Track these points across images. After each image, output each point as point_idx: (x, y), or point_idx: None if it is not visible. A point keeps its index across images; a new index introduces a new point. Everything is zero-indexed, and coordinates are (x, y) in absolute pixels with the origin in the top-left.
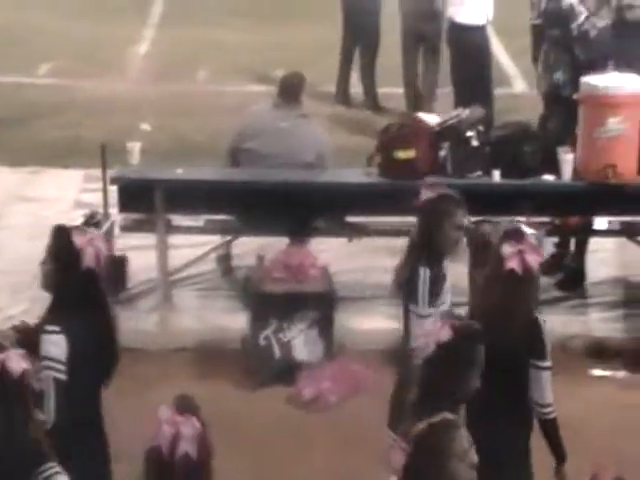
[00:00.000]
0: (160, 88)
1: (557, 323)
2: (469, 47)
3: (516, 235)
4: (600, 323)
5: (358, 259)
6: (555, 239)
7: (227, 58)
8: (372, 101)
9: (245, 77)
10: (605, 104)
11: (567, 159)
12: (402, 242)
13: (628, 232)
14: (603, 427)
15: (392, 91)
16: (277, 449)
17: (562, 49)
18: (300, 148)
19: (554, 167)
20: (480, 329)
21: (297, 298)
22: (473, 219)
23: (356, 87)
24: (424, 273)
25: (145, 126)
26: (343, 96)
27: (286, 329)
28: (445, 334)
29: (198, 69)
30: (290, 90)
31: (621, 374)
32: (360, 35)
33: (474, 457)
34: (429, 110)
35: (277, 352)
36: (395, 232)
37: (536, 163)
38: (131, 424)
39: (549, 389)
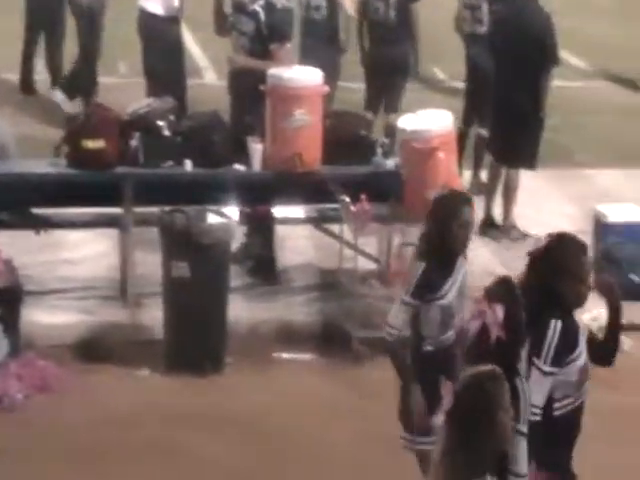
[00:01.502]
0: None
1: (247, 310)
2: (160, 37)
3: None
4: (289, 308)
5: (45, 252)
6: (245, 228)
7: None
8: (63, 87)
9: None
10: (291, 96)
11: (256, 149)
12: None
13: (316, 220)
14: (290, 410)
15: None
16: None
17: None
18: None
19: (244, 157)
20: None
21: None
22: (166, 209)
23: (41, 74)
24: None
25: None
26: (27, 85)
27: None
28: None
29: None
30: None
31: (309, 357)
32: (43, 22)
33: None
34: None
35: None
36: (84, 224)
37: (226, 152)
38: None
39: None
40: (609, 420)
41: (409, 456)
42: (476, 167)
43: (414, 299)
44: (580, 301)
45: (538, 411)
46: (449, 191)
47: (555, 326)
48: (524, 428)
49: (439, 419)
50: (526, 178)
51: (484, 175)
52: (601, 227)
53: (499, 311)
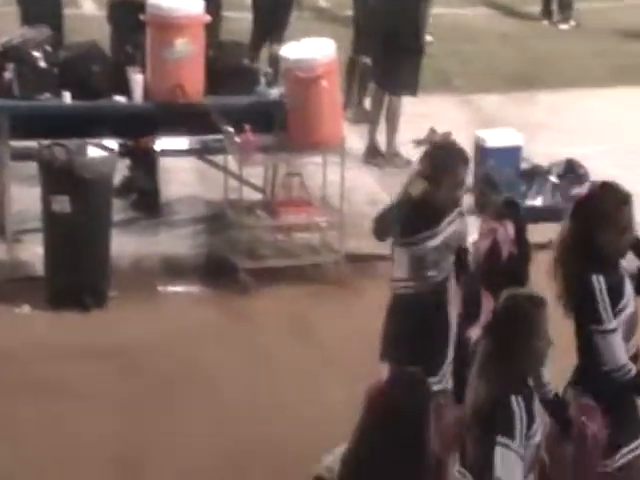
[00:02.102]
0: None
1: (131, 244)
2: None
3: None
4: (174, 241)
5: None
6: (128, 161)
7: None
8: None
9: None
10: (171, 25)
11: (137, 79)
12: None
13: (199, 151)
14: (177, 341)
15: None
16: None
17: None
18: None
19: (125, 88)
20: None
21: None
22: (45, 142)
23: None
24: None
25: None
26: None
27: None
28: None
29: None
30: None
31: (196, 289)
32: None
33: (551, 339)
34: None
35: None
36: None
37: (106, 84)
38: None
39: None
40: None
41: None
42: (360, 95)
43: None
44: (622, 252)
45: (629, 367)
46: (449, 145)
47: (599, 282)
48: None
49: (475, 332)
50: (408, 105)
51: (368, 103)
52: (480, 151)
53: (510, 228)
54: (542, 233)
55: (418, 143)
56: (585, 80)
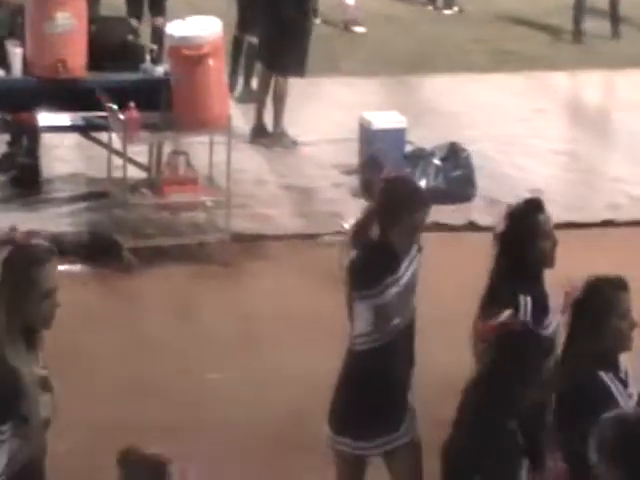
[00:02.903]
0: None
1: (10, 220)
2: None
3: None
4: (55, 218)
5: None
6: (7, 136)
7: None
8: None
9: None
10: None
11: (16, 53)
12: None
13: (83, 128)
14: (56, 320)
15: None
16: None
17: None
18: None
19: (4, 61)
20: None
21: None
22: None
23: None
24: None
25: None
26: None
27: None
28: None
29: None
30: None
31: (78, 268)
32: None
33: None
34: None
35: None
36: None
37: None
38: None
39: None
40: None
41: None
42: (247, 75)
43: None
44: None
45: None
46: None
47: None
48: None
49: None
50: (296, 86)
51: (255, 83)
52: (366, 133)
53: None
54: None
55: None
56: (468, 65)
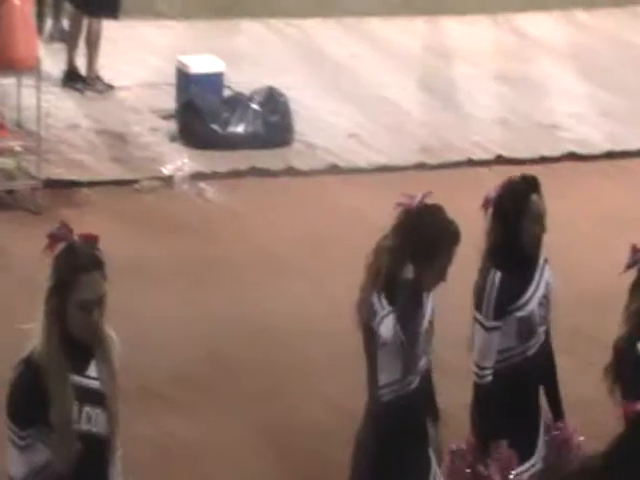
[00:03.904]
0: None
1: None
2: None
3: None
4: None
5: None
6: None
7: None
8: None
9: None
10: None
11: None
12: None
13: None
14: None
15: None
16: None
17: None
18: None
19: None
20: None
21: None
22: None
23: None
24: None
25: None
26: None
27: None
28: None
29: None
30: None
31: None
32: None
33: None
34: None
35: None
36: None
37: None
38: None
39: None
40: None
41: None
42: (55, 15)
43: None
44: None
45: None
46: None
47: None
48: None
49: None
50: (110, 28)
51: (65, 23)
52: (183, 78)
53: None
54: None
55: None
56: (285, 10)
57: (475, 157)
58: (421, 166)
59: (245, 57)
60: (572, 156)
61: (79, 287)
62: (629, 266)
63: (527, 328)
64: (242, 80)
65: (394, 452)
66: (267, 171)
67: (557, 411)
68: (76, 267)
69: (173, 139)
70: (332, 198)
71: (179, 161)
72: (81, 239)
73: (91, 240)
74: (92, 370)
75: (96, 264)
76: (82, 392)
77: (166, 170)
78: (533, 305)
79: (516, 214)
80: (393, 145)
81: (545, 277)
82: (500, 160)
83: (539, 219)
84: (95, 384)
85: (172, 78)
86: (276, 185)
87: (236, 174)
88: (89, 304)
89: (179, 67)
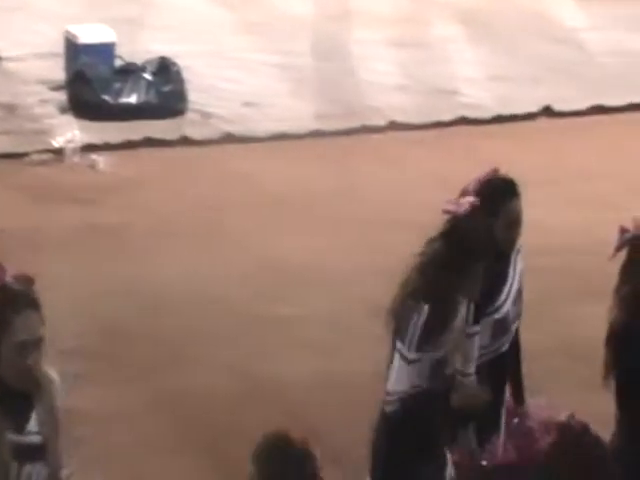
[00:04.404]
0: None
1: None
2: None
3: None
4: None
5: None
6: None
7: None
8: None
9: None
10: None
11: None
12: None
13: None
14: None
15: None
16: None
17: None
18: None
19: None
20: None
21: None
22: None
23: None
24: None
25: None
26: None
27: None
28: None
29: None
30: None
31: None
32: None
33: None
34: None
35: None
36: None
37: None
38: None
39: None
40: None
41: None
42: None
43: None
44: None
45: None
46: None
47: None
48: None
49: None
50: None
51: None
52: (72, 47)
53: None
54: None
55: None
56: None
57: (370, 123)
58: (317, 133)
59: (136, 26)
60: (464, 120)
61: (14, 328)
62: (618, 248)
63: (501, 329)
64: (134, 50)
65: (404, 450)
66: (161, 141)
67: (518, 395)
68: (10, 307)
69: (63, 110)
70: (227, 167)
71: (70, 133)
72: (15, 279)
73: (26, 280)
74: (33, 424)
75: (31, 304)
76: (22, 450)
77: (57, 142)
78: (508, 305)
79: (491, 220)
80: (289, 112)
81: (518, 268)
82: (394, 125)
83: (514, 225)
84: (36, 439)
85: (61, 47)
86: (171, 155)
87: (130, 145)
88: (25, 345)
89: (68, 37)
